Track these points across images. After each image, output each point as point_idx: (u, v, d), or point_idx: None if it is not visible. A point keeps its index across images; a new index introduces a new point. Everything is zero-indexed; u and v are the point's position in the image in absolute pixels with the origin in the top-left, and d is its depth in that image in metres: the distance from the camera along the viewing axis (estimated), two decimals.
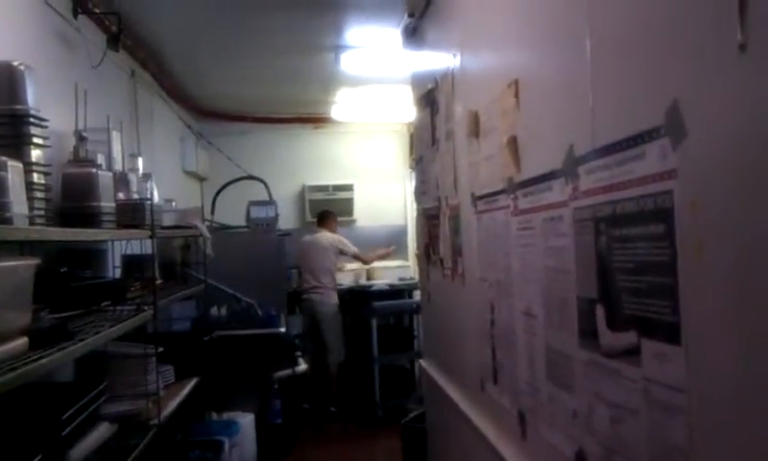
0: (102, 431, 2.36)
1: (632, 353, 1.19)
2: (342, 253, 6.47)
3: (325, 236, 6.43)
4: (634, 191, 1.17)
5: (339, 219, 7.03)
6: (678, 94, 1.04)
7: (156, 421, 2.78)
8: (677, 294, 1.05)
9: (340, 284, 6.66)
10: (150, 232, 2.89)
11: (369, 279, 7.15)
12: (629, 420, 1.22)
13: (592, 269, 1.35)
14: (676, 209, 1.05)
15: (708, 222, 0.98)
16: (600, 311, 1.32)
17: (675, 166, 1.05)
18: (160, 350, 3.00)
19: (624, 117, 1.22)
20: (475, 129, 2.29)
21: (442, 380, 3.15)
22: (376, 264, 7.18)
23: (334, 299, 6.36)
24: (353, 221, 7.55)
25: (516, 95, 1.82)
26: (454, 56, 2.65)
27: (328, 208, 6.88)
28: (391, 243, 7.18)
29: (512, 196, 1.89)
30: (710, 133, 0.97)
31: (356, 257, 6.64)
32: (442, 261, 3.06)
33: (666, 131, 1.07)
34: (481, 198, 2.27)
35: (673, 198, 1.06)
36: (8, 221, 1.73)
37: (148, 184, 3.30)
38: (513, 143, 1.86)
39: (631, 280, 1.20)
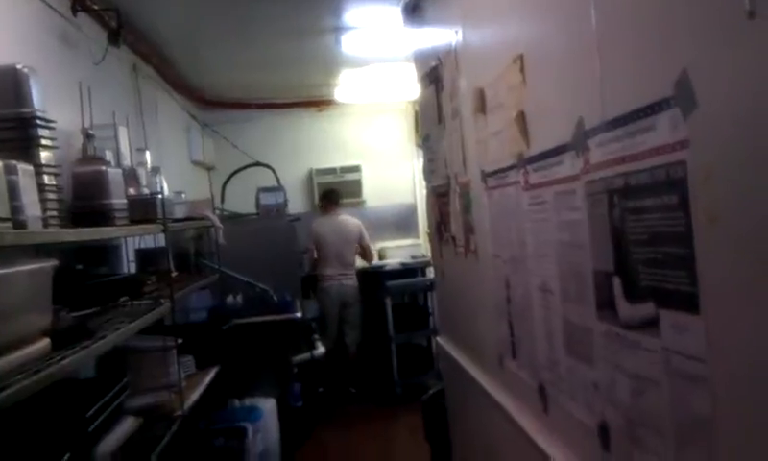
0: (127, 425, 2.38)
1: (650, 324, 1.19)
2: (362, 240, 6.55)
3: (351, 221, 6.50)
4: (646, 163, 1.17)
5: (348, 201, 7.18)
6: (687, 64, 1.03)
7: (179, 411, 2.81)
8: (693, 264, 1.05)
9: None
10: (162, 226, 2.91)
11: (380, 258, 7.17)
12: (650, 391, 1.23)
13: (607, 242, 1.35)
14: (689, 179, 1.05)
15: (722, 191, 0.98)
16: (617, 283, 1.32)
17: (686, 137, 1.04)
18: (180, 341, 3.02)
19: (633, 88, 1.22)
20: (481, 105, 2.28)
21: (459, 357, 3.17)
22: (387, 243, 7.24)
23: (356, 281, 6.50)
24: (362, 202, 7.56)
25: (522, 70, 1.81)
26: (456, 32, 2.63)
27: (334, 189, 6.88)
28: (400, 222, 7.27)
29: (522, 171, 1.89)
30: (721, 102, 0.97)
31: (366, 248, 6.69)
32: (454, 239, 3.06)
33: (676, 101, 1.06)
34: (491, 174, 2.26)
35: (686, 168, 1.05)
36: (22, 224, 1.74)
37: (157, 178, 3.30)
38: (521, 118, 1.85)
39: (647, 252, 1.20)
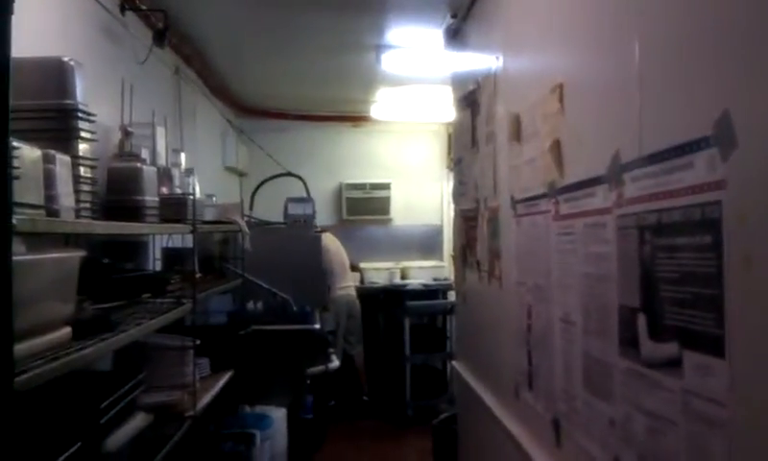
0: (138, 421, 2.38)
1: (673, 364, 1.17)
2: None
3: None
4: (680, 201, 1.15)
5: (375, 217, 7.39)
6: (728, 104, 1.02)
7: (191, 412, 2.81)
8: (722, 306, 1.03)
9: (375, 282, 6.90)
10: (192, 227, 2.93)
11: (403, 278, 7.17)
12: (668, 431, 1.21)
13: (635, 277, 1.33)
14: (724, 220, 1.03)
15: (758, 234, 0.96)
16: (642, 320, 1.30)
17: (724, 177, 1.03)
18: (198, 342, 3.03)
19: (673, 125, 1.20)
20: (517, 131, 2.27)
21: (474, 383, 3.14)
22: (411, 263, 7.26)
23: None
24: (390, 220, 7.56)
25: (561, 99, 1.80)
26: (497, 58, 2.63)
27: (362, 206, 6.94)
28: (426, 242, 7.29)
29: (553, 201, 1.88)
30: (762, 144, 0.95)
31: None
32: (478, 263, 3.05)
33: (716, 141, 1.05)
34: (521, 201, 2.25)
35: (721, 209, 1.04)
36: (55, 213, 1.77)
37: (190, 179, 3.33)
38: (556, 147, 1.85)
39: (675, 290, 1.18)
